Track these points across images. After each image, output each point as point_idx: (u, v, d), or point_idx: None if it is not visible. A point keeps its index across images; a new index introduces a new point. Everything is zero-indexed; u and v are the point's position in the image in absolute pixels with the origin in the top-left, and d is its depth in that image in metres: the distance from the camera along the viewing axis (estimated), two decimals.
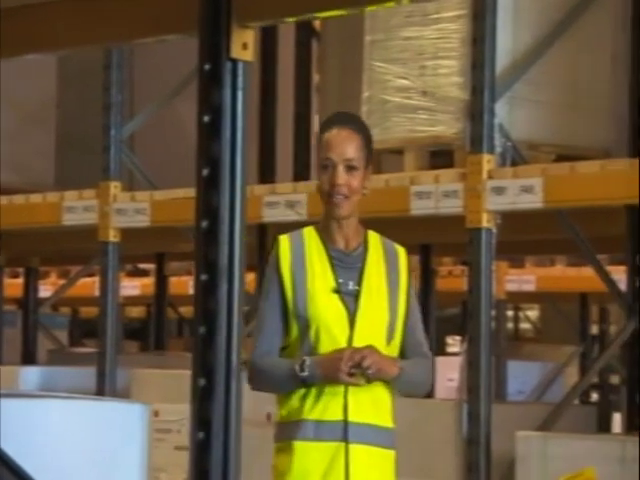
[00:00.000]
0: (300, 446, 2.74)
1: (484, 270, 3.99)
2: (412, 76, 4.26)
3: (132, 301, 8.75)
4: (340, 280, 2.77)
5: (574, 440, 3.83)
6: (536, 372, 6.74)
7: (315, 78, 5.60)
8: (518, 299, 8.83)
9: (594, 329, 8.36)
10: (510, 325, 11.08)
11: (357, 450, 2.73)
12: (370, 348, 2.73)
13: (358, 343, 2.74)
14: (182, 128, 5.28)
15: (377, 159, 4.52)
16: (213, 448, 1.95)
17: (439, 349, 8.90)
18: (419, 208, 4.17)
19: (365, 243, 2.81)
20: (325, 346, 2.75)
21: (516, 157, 4.08)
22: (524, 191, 3.90)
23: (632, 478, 3.63)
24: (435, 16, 4.19)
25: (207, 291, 1.97)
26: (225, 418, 1.97)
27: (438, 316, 7.80)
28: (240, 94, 1.96)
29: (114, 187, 5.02)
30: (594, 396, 8.15)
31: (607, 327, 8.41)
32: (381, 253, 2.82)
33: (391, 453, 2.78)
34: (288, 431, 2.77)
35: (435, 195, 4.10)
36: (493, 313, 4.41)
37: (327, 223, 2.80)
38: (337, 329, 2.75)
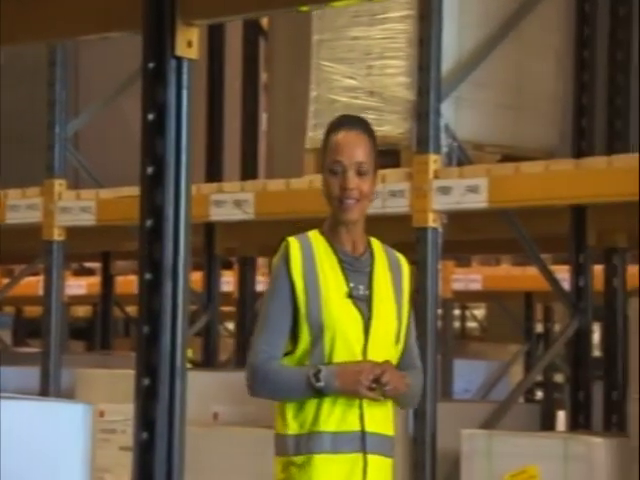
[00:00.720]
0: (319, 459, 2.65)
1: (430, 269, 4.02)
2: (359, 76, 4.27)
3: (78, 300, 8.67)
4: (351, 284, 2.71)
5: (518, 438, 3.87)
6: (482, 370, 6.79)
7: (263, 77, 5.59)
8: (465, 298, 8.89)
9: (539, 328, 8.45)
10: (457, 324, 11.16)
11: (373, 460, 2.68)
12: (389, 364, 2.67)
13: (372, 351, 2.68)
14: (128, 126, 5.24)
15: None
16: (157, 448, 1.94)
17: None
18: None
19: (370, 248, 2.77)
20: (340, 354, 2.66)
21: (462, 157, 4.11)
22: (469, 191, 3.93)
23: (575, 475, 3.68)
24: (382, 16, 4.21)
25: (151, 290, 1.96)
26: (169, 418, 1.96)
27: None
28: (185, 92, 1.95)
29: (59, 185, 4.97)
30: (539, 394, 8.24)
31: (552, 326, 8.50)
32: (385, 260, 2.77)
33: (392, 461, 2.75)
34: (302, 444, 2.66)
35: (382, 195, 4.12)
36: (439, 312, 4.44)
37: (334, 227, 2.73)
38: (353, 336, 2.68)
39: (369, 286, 2.71)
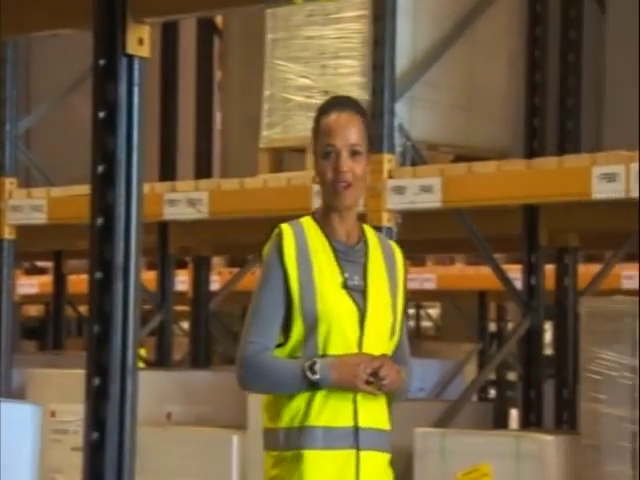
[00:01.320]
0: (310, 455, 2.53)
1: None
2: (313, 75, 4.27)
3: (30, 300, 8.58)
4: (346, 275, 2.58)
5: (471, 436, 3.89)
6: (436, 369, 6.82)
7: (217, 75, 5.57)
8: (419, 297, 8.92)
9: (492, 327, 8.50)
10: (412, 323, 11.21)
11: (367, 457, 2.57)
12: (386, 357, 2.57)
13: (368, 344, 2.57)
14: (79, 124, 5.19)
15: (279, 158, 4.53)
16: (107, 449, 1.93)
17: None
18: None
19: (364, 237, 2.64)
20: (335, 346, 2.54)
21: (416, 157, 4.13)
22: (423, 191, 3.95)
23: (527, 473, 3.71)
24: (336, 16, 4.21)
25: (102, 289, 1.95)
26: (120, 418, 1.95)
27: None
28: (136, 90, 1.94)
29: (9, 183, 4.92)
30: (492, 393, 8.29)
31: (505, 325, 8.56)
32: (379, 249, 2.64)
33: (389, 456, 2.64)
34: (293, 439, 2.55)
35: None
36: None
37: (327, 214, 2.60)
38: (348, 328, 2.56)
39: (364, 277, 2.59)
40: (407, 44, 4.14)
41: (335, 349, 2.55)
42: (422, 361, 7.21)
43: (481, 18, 4.26)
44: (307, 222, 2.61)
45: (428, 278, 7.80)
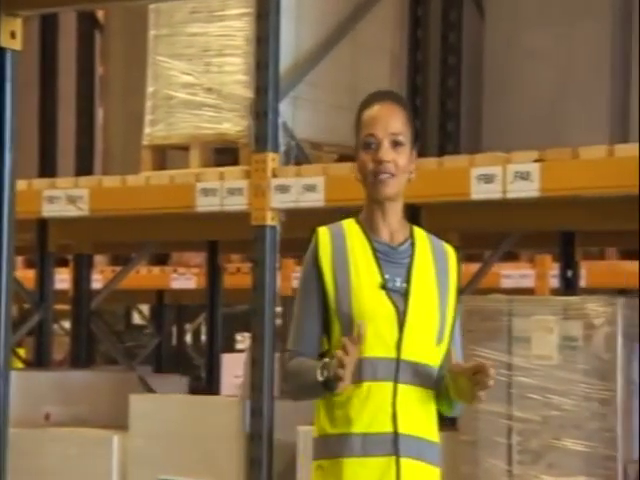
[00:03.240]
0: (349, 463, 2.41)
1: (268, 267, 4.03)
2: (197, 72, 4.25)
3: None
4: (386, 276, 2.46)
5: None
6: None
7: (99, 70, 5.48)
8: None
9: None
10: None
11: (407, 465, 2.43)
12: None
13: (407, 348, 2.43)
14: None
15: (162, 155, 4.49)
16: None
17: (227, 346, 8.92)
18: (204, 205, 4.17)
19: (412, 238, 2.51)
20: (372, 348, 2.41)
21: (300, 156, 4.15)
22: (307, 190, 3.97)
23: None
24: (220, 13, 4.19)
25: None
26: None
27: (228, 313, 7.82)
28: (9, 85, 1.89)
29: None
30: None
31: None
32: (429, 251, 2.51)
33: (437, 471, 2.49)
34: (332, 446, 2.43)
35: (220, 192, 4.11)
36: (278, 310, 4.46)
37: (370, 212, 2.50)
38: (386, 329, 2.43)
39: (407, 279, 2.46)
40: (291, 43, 4.15)
41: (372, 351, 2.41)
42: None
43: (364, 19, 4.31)
44: (349, 223, 2.53)
45: None
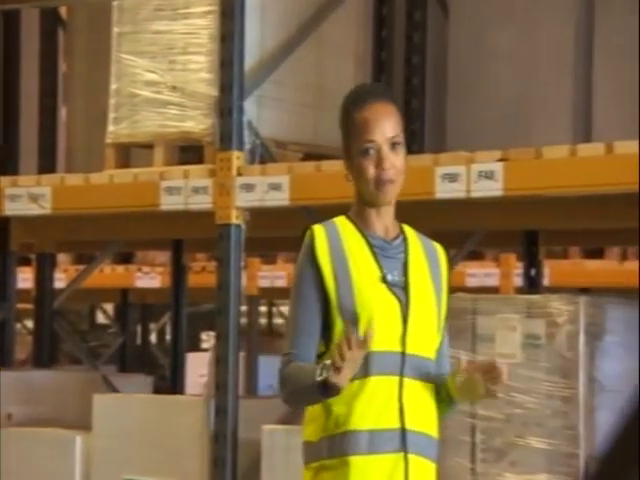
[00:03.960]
0: (355, 461, 2.33)
1: (233, 266, 4.02)
2: (161, 70, 4.23)
3: None
4: (385, 270, 2.42)
5: None
6: None
7: (62, 68, 5.44)
8: (271, 295, 8.96)
9: None
10: (264, 321, 11.23)
11: (415, 462, 2.37)
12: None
13: (411, 341, 2.38)
14: None
15: (126, 153, 4.46)
16: None
17: (192, 345, 8.89)
18: (169, 203, 4.15)
19: (403, 234, 2.48)
20: (377, 343, 2.33)
21: (265, 155, 4.14)
22: (272, 188, 3.96)
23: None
24: (184, 11, 4.18)
25: None
26: None
27: (193, 312, 7.79)
28: None
29: None
30: None
31: None
32: (420, 248, 2.48)
33: (435, 467, 2.44)
34: (336, 445, 2.34)
35: (185, 191, 4.09)
36: (245, 309, 4.45)
37: (363, 210, 2.45)
38: (390, 324, 2.38)
39: (404, 273, 2.43)
40: (255, 41, 4.14)
41: (377, 345, 2.34)
42: (273, 358, 7.23)
43: (328, 18, 4.31)
44: (341, 221, 2.47)
45: (279, 276, 7.84)
